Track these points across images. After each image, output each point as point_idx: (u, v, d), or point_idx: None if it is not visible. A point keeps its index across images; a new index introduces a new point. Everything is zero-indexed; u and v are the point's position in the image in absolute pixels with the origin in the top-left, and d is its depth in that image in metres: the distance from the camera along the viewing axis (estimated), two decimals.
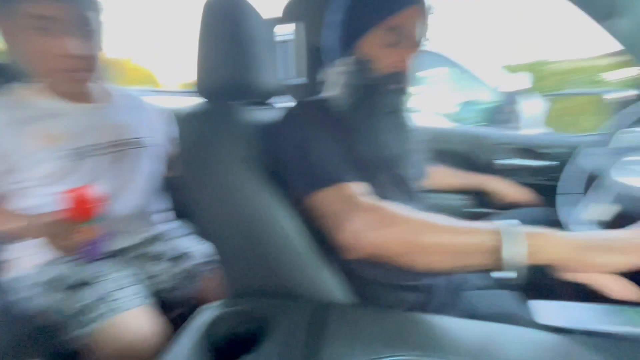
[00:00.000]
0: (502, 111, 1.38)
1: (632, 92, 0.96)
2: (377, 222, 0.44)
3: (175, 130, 0.61)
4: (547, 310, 0.57)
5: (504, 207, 0.98)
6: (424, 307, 0.62)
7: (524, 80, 1.28)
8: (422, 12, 0.59)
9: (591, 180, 0.75)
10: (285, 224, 0.51)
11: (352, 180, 0.51)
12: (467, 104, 2.43)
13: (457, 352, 0.36)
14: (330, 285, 0.50)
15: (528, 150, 1.07)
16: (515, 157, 1.06)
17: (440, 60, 2.97)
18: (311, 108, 0.62)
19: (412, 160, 0.67)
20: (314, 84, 0.97)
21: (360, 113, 0.60)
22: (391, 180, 0.65)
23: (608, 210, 0.70)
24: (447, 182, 1.01)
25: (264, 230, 0.50)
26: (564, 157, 1.03)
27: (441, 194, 1.06)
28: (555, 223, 0.84)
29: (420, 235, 0.43)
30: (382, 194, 0.61)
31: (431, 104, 3.38)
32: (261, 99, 0.69)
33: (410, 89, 0.62)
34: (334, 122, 0.59)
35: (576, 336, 0.52)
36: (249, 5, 0.57)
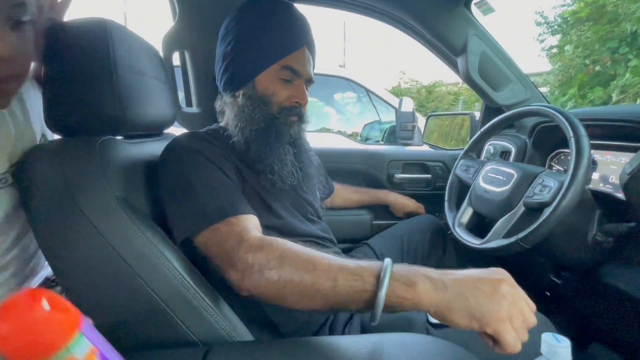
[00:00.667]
0: (404, 130, 1.55)
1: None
2: (264, 263, 0.43)
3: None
4: None
5: (402, 217, 1.09)
6: (331, 327, 0.64)
7: (412, 102, 1.46)
8: (312, 51, 0.66)
9: (467, 188, 0.88)
10: (169, 266, 0.47)
11: (240, 213, 0.50)
12: (372, 124, 2.67)
13: None
14: (227, 323, 0.47)
15: (419, 165, 1.21)
16: (406, 170, 1.19)
17: (348, 85, 3.26)
18: (196, 139, 0.60)
19: (313, 182, 0.70)
20: (206, 114, 0.96)
21: (257, 144, 0.61)
22: (292, 205, 0.67)
23: (469, 213, 0.83)
24: (352, 199, 1.08)
25: (146, 275, 0.45)
26: (447, 169, 1.20)
27: (348, 210, 1.12)
28: (445, 227, 0.96)
29: (305, 277, 0.41)
30: (281, 221, 0.62)
31: (340, 125, 3.63)
32: (145, 130, 0.64)
33: (306, 119, 0.68)
34: (224, 153, 0.59)
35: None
36: (123, 31, 0.52)
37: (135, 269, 0.45)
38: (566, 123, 0.64)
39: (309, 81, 0.67)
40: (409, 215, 1.08)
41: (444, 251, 0.95)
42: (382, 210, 1.15)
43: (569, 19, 5.30)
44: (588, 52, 4.44)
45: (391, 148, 1.34)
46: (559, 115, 0.66)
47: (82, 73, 0.47)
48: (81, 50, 0.47)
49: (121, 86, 0.48)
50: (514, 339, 0.37)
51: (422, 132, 1.63)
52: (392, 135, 2.13)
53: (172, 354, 0.43)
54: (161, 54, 0.71)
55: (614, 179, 0.78)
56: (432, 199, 1.15)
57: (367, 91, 3.18)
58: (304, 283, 0.41)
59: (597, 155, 0.83)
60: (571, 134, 0.62)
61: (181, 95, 1.02)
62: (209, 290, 0.49)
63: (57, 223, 0.46)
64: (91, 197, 0.46)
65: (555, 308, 0.96)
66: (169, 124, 0.69)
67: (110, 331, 0.47)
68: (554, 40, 5.93)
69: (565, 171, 0.64)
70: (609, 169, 0.81)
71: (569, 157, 0.63)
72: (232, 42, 0.64)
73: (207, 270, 0.51)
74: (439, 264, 0.95)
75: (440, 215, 1.06)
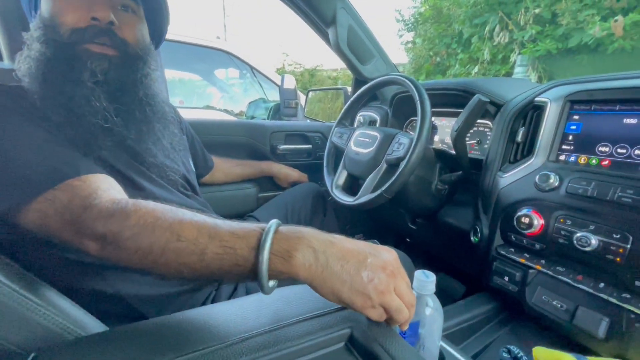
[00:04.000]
0: (288, 107, 1.55)
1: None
2: (117, 231, 0.35)
3: None
4: None
5: (287, 187, 1.10)
6: (214, 301, 0.60)
7: (293, 79, 1.48)
8: None
9: (342, 153, 0.95)
10: None
11: (85, 172, 0.40)
12: (257, 102, 2.60)
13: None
14: (65, 319, 0.38)
15: (300, 136, 1.24)
16: (288, 142, 1.21)
17: (230, 60, 3.06)
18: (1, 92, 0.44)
19: (168, 146, 0.60)
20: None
21: (57, 88, 0.46)
22: (157, 176, 0.57)
23: (344, 175, 0.91)
24: (234, 173, 1.03)
25: None
26: (325, 139, 1.27)
27: (233, 184, 1.06)
28: (325, 193, 1.02)
29: (167, 248, 0.35)
30: (143, 192, 0.53)
31: (224, 104, 3.44)
32: None
33: (130, 57, 0.51)
34: (35, 107, 0.45)
35: None
36: None
37: None
38: (414, 89, 0.74)
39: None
40: (293, 184, 1.11)
41: (325, 214, 1.02)
42: (267, 182, 1.14)
43: (418, 18, 6.35)
44: (431, 45, 5.56)
45: (274, 121, 1.33)
46: (409, 83, 0.77)
47: None
48: None
49: None
50: (402, 305, 0.35)
51: (304, 108, 1.68)
52: (277, 114, 2.13)
53: None
54: None
55: (448, 139, 0.97)
56: (314, 168, 1.21)
57: (251, 68, 3.07)
58: (167, 255, 0.35)
59: (437, 121, 1.02)
60: (417, 97, 0.73)
61: None
62: (33, 283, 0.38)
63: None
64: None
65: (414, 251, 1.16)
66: None
67: None
68: (410, 36, 6.98)
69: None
70: (445, 132, 1.00)
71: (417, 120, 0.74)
72: None
73: (35, 258, 0.39)
74: (321, 227, 1.01)
75: (322, 183, 1.12)
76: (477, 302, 0.70)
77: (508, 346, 0.53)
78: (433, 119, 1.03)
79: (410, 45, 6.92)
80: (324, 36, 1.05)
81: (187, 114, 0.84)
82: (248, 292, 0.63)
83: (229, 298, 0.62)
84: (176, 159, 0.63)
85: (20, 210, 0.37)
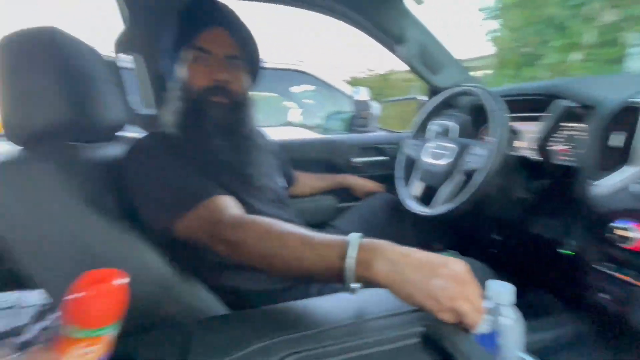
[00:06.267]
0: (360, 117, 1.65)
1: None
2: (243, 239, 0.47)
3: None
4: None
5: (361, 198, 1.17)
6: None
7: (366, 91, 1.56)
8: (228, 31, 0.66)
9: (412, 164, 0.98)
10: (145, 258, 0.50)
11: (214, 194, 0.54)
12: (332, 114, 2.74)
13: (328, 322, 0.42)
14: (202, 303, 0.52)
15: (373, 148, 1.31)
16: (364, 155, 1.28)
17: (304, 78, 3.29)
18: (154, 138, 0.64)
19: (266, 169, 0.73)
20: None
21: (193, 132, 0.64)
22: (247, 191, 0.69)
23: (420, 186, 0.93)
24: (316, 186, 1.15)
25: (122, 265, 0.48)
26: (396, 150, 1.30)
27: (313, 197, 1.18)
28: (398, 202, 1.06)
29: (277, 253, 0.45)
30: (245, 206, 0.67)
31: (302, 118, 3.68)
32: (100, 134, 0.64)
33: (242, 101, 0.69)
34: (179, 147, 0.62)
35: None
36: (70, 38, 0.53)
37: (110, 259, 0.48)
38: (484, 99, 0.74)
39: (232, 58, 0.66)
40: (369, 194, 1.17)
41: (401, 224, 1.05)
42: (345, 194, 1.23)
43: (507, 3, 5.75)
44: (518, 34, 4.98)
45: (350, 135, 1.42)
46: (480, 93, 0.77)
47: (35, 83, 0.47)
48: (32, 61, 0.47)
49: (74, 93, 0.50)
50: (471, 309, 0.38)
51: (378, 118, 1.73)
52: (354, 122, 2.23)
53: (159, 336, 0.45)
54: (112, 57, 0.72)
55: (532, 144, 0.92)
56: (392, 179, 1.25)
57: (324, 83, 3.24)
58: (276, 258, 0.46)
59: (520, 125, 0.97)
60: (490, 109, 0.72)
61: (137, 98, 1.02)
62: (183, 275, 0.53)
63: (33, 229, 0.47)
64: (64, 203, 0.47)
65: (501, 262, 1.10)
66: (120, 127, 0.70)
67: None
68: (494, 24, 6.36)
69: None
70: (530, 137, 0.94)
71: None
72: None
73: (182, 255, 0.55)
74: (396, 236, 1.04)
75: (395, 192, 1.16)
76: (570, 319, 0.65)
77: None
78: (515, 123, 0.98)
79: (496, 34, 6.30)
80: (392, 50, 1.10)
81: (270, 134, 0.98)
82: (333, 291, 0.71)
83: (318, 295, 0.71)
84: (272, 178, 0.77)
85: (174, 223, 0.53)
